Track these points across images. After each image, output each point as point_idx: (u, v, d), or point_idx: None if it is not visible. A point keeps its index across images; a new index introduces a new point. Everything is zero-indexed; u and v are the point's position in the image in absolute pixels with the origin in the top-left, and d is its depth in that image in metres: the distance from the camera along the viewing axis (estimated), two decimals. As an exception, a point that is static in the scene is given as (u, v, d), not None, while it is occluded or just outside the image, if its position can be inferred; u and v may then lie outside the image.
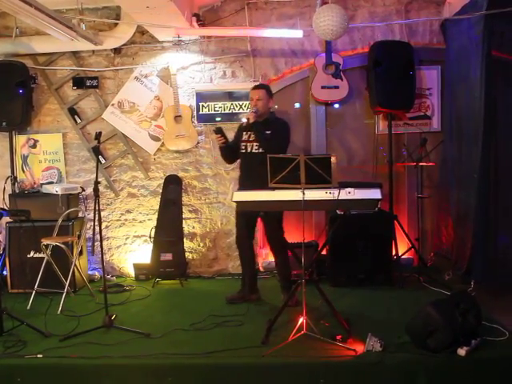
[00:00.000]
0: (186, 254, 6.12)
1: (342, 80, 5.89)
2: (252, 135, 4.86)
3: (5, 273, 5.69)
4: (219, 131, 4.95)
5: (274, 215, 4.82)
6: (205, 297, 5.39)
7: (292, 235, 5.14)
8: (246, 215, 4.92)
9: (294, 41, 6.01)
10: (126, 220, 6.33)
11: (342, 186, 3.90)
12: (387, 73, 5.68)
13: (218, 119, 6.13)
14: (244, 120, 4.86)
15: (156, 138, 6.22)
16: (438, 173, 6.03)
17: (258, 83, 5.18)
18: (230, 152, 5.08)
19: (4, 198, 5.82)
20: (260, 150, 4.80)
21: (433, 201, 6.11)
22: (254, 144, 4.86)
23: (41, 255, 5.45)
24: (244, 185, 4.92)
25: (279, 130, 4.85)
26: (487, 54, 4.80)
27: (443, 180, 5.90)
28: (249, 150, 4.91)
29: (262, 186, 4.31)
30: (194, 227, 6.27)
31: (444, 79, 5.99)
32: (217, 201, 6.23)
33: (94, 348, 3.94)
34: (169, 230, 5.94)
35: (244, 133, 4.96)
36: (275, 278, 5.85)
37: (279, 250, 5.02)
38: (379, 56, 5.72)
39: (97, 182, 4.36)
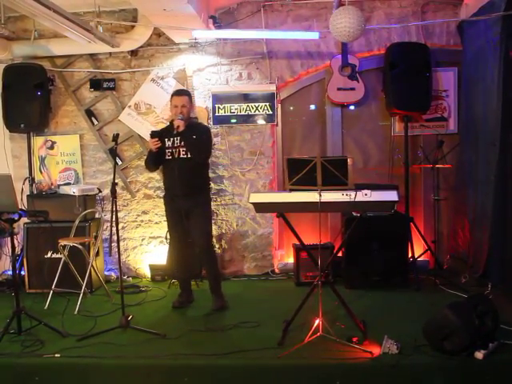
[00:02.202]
0: (202, 256, 6.13)
1: (357, 82, 5.89)
2: (177, 141, 4.86)
3: (23, 273, 5.74)
4: (157, 135, 4.85)
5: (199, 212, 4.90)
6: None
7: (308, 237, 5.12)
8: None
9: (309, 42, 6.01)
10: (142, 221, 6.36)
11: (359, 187, 3.89)
12: (403, 74, 5.66)
13: (233, 121, 6.15)
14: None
15: (172, 140, 6.23)
16: (454, 175, 5.99)
17: (180, 89, 5.05)
18: (159, 157, 4.93)
19: (22, 199, 5.87)
20: (188, 156, 4.83)
21: (449, 203, 6.08)
22: (181, 149, 4.85)
23: (58, 256, 5.49)
24: (171, 190, 4.97)
25: (203, 134, 4.88)
26: (505, 55, 4.78)
27: (460, 182, 5.86)
28: (176, 155, 4.87)
29: (192, 190, 4.77)
30: (209, 228, 6.28)
31: (461, 81, 5.95)
32: (232, 202, 6.24)
33: (110, 348, 3.98)
34: (184, 231, 5.94)
35: (167, 139, 4.89)
36: (290, 280, 5.88)
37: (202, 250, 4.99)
38: (395, 58, 5.70)
39: (114, 184, 4.38)
